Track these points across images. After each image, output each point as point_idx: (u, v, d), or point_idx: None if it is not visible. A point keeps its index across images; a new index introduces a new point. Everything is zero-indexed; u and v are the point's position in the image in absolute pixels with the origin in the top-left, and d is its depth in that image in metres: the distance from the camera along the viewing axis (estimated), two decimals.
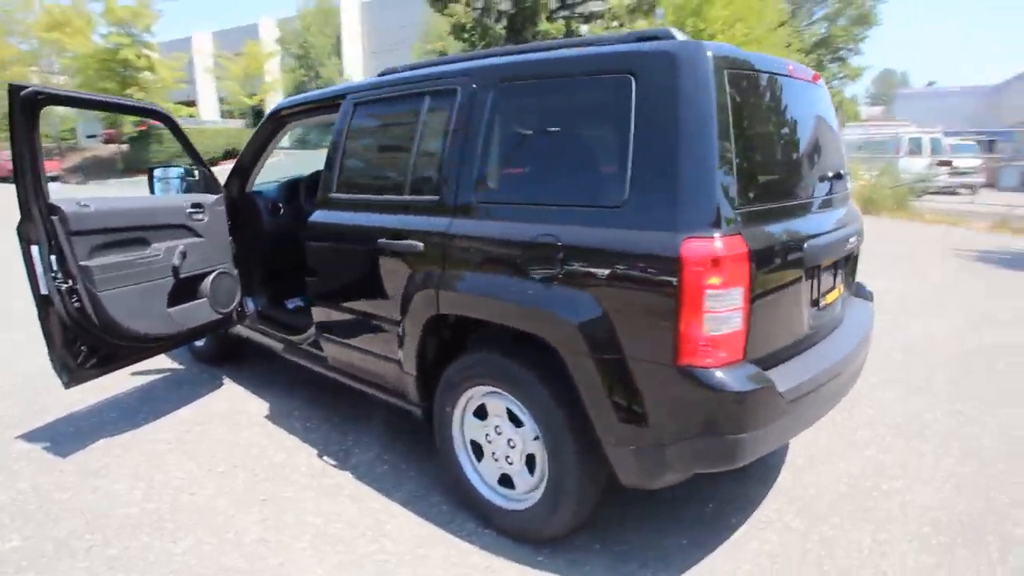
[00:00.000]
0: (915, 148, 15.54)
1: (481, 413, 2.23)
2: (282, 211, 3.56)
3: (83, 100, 2.88)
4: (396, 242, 2.30)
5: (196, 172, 3.27)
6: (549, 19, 19.86)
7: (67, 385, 2.72)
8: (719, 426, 1.69)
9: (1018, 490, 2.51)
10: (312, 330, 2.96)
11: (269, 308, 3.48)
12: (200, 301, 3.12)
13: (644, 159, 1.71)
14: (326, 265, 2.70)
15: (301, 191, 3.65)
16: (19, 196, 2.48)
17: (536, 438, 2.04)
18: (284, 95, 35.96)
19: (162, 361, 3.96)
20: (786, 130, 2.03)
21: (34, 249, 2.54)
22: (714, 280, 1.61)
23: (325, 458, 2.80)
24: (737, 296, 1.65)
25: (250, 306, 3.46)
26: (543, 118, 2.01)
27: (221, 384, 3.67)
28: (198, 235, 3.14)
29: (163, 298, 2.94)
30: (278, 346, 3.26)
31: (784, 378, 1.77)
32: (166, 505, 2.44)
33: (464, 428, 2.29)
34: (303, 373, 3.63)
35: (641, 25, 20.39)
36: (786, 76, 2.02)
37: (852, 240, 2.25)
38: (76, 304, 2.59)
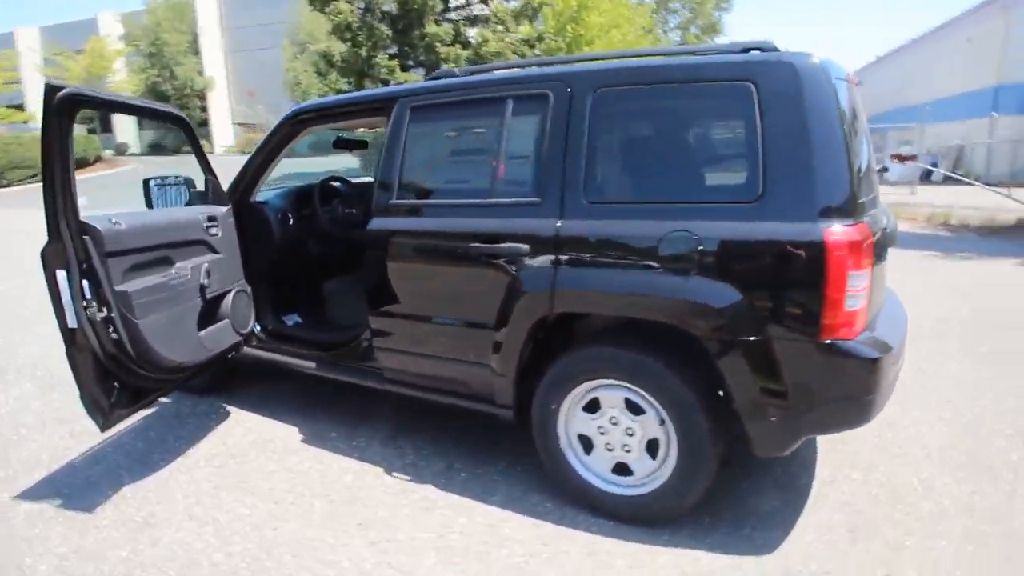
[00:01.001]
0: None
1: (591, 407, 2.30)
2: (291, 222, 3.34)
3: (116, 104, 2.54)
4: (493, 246, 2.30)
5: (205, 182, 2.98)
6: (436, 22, 19.82)
7: (103, 428, 2.40)
8: (856, 390, 1.91)
9: (996, 423, 3.04)
10: (359, 342, 2.84)
11: (284, 326, 3.26)
12: (223, 323, 2.87)
13: (777, 158, 1.89)
14: (392, 273, 2.60)
15: (315, 199, 3.44)
16: (47, 212, 2.16)
17: (662, 423, 2.16)
18: (133, 96, 32.56)
19: None
20: (860, 131, 2.32)
21: (60, 275, 2.21)
22: (851, 263, 1.83)
23: (395, 475, 2.70)
24: (865, 276, 1.88)
25: (256, 326, 3.23)
26: (656, 122, 2.13)
27: (226, 413, 3.37)
28: (215, 251, 2.89)
29: (194, 322, 2.68)
30: (308, 365, 3.06)
31: (891, 343, 2.04)
32: (253, 544, 2.24)
33: (570, 423, 2.35)
34: (310, 391, 3.49)
35: (525, 30, 20.96)
36: (848, 82, 2.30)
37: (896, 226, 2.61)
38: (113, 335, 2.30)
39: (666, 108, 2.13)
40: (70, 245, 2.18)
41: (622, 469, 2.30)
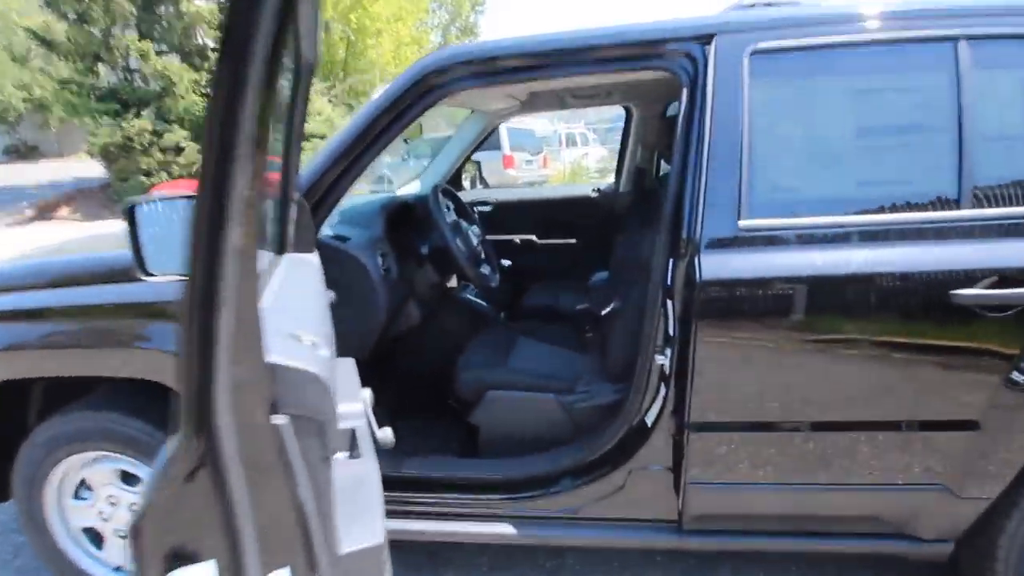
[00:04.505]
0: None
1: None
2: (392, 272, 1.81)
3: None
4: (1005, 292, 1.33)
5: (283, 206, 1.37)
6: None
7: None
8: None
9: None
10: (611, 475, 1.61)
11: (415, 461, 1.75)
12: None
13: None
14: (757, 351, 1.44)
15: (443, 230, 1.87)
16: None
17: None
18: None
19: None
20: None
21: None
22: None
23: None
24: None
25: None
26: None
27: None
28: None
29: None
30: (486, 532, 1.67)
31: None
32: None
33: None
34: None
35: None
36: None
37: None
38: None
39: None
40: None
41: None
